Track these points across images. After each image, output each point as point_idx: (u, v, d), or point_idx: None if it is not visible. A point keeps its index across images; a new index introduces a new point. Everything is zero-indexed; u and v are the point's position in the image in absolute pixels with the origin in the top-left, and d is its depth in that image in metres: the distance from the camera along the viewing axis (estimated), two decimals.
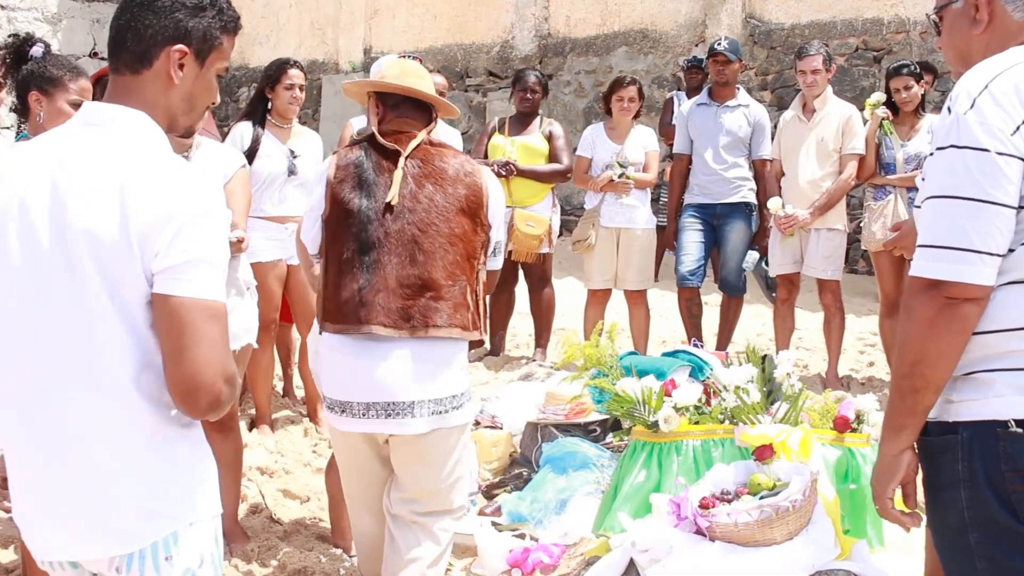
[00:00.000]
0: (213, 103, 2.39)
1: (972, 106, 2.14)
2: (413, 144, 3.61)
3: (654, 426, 4.26)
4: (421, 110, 3.76)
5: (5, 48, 4.38)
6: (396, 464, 3.67)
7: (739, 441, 4.08)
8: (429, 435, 3.54)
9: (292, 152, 6.13)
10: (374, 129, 3.70)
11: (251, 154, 5.98)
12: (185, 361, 2.06)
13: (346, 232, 3.55)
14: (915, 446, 2.30)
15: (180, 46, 2.22)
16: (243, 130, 6.12)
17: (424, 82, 3.78)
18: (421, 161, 3.61)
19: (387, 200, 3.51)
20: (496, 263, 3.84)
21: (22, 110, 4.33)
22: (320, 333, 3.66)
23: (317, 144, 6.42)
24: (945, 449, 2.22)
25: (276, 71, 6.15)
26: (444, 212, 3.56)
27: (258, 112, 6.17)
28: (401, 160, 3.57)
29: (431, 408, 3.51)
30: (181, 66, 2.22)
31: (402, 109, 3.73)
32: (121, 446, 2.12)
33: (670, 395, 4.37)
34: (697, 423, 4.27)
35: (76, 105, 4.18)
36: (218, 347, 2.10)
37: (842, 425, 4.25)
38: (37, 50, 4.27)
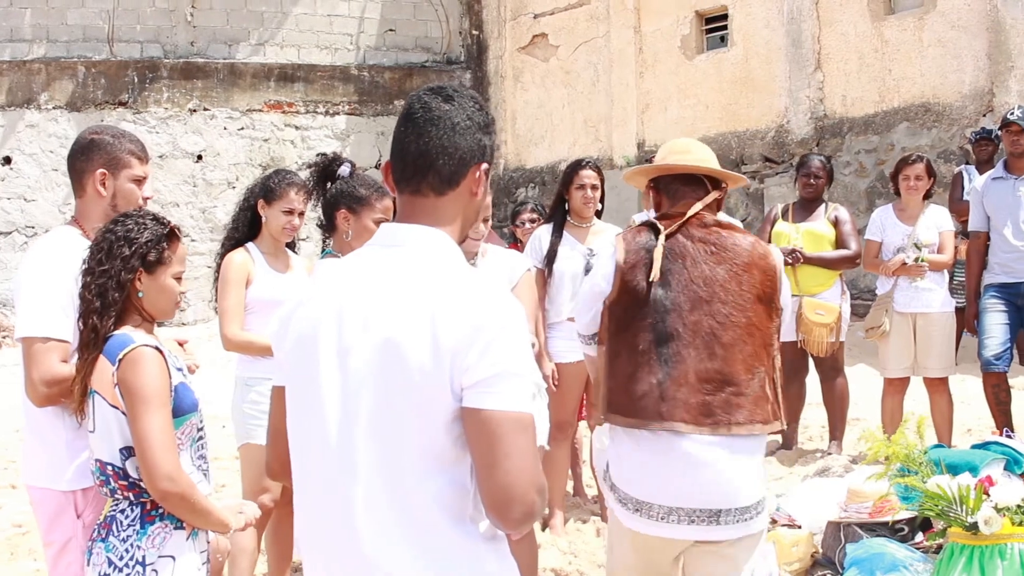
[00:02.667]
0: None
1: None
2: (679, 222, 3.46)
3: (973, 527, 3.97)
4: (697, 186, 3.59)
5: (313, 166, 4.65)
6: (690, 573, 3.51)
7: None
8: (735, 543, 3.39)
9: (591, 251, 6.18)
10: (653, 216, 3.60)
11: (551, 257, 6.11)
12: (498, 473, 2.06)
13: (640, 321, 3.40)
14: None
15: (485, 165, 2.29)
16: (541, 234, 6.29)
17: (689, 156, 3.61)
18: (714, 246, 3.44)
19: (649, 279, 3.38)
20: None
21: (328, 227, 4.57)
22: (601, 423, 3.54)
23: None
24: None
25: (569, 173, 6.26)
26: (741, 302, 3.39)
27: (557, 215, 6.29)
28: (660, 238, 3.42)
29: (736, 516, 3.33)
30: (481, 183, 2.29)
31: (675, 189, 3.59)
32: (426, 565, 2.12)
33: (988, 493, 4.07)
34: (1021, 524, 3.95)
35: (379, 223, 4.39)
36: (529, 458, 2.09)
37: None
38: (345, 169, 4.50)
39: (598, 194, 6.25)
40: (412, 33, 18.19)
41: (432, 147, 2.24)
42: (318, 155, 4.76)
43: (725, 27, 14.91)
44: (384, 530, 2.12)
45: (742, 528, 3.36)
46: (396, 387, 2.11)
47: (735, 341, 3.37)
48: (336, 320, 2.19)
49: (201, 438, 3.24)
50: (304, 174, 4.84)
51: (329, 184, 4.62)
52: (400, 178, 2.29)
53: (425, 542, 2.12)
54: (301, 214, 4.77)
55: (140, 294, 3.15)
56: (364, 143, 17.49)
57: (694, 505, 3.30)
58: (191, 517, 3.07)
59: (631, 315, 3.42)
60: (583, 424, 6.82)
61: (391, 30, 18.00)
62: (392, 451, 2.12)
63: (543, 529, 6.16)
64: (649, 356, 3.36)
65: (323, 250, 4.81)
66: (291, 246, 4.94)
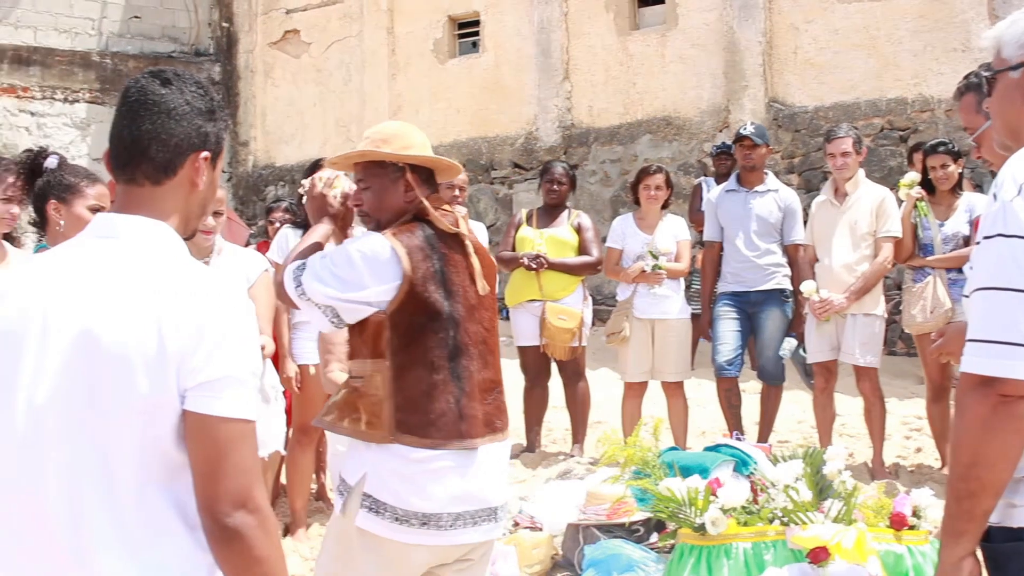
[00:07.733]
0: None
1: (1019, 192, 2.04)
2: (466, 226, 3.32)
3: (701, 528, 4.10)
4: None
5: (19, 164, 4.36)
6: None
7: (792, 543, 3.93)
8: (483, 545, 3.37)
9: None
10: (430, 208, 3.26)
11: None
12: (215, 482, 1.97)
13: (430, 336, 3.16)
14: (978, 552, 2.16)
15: (205, 153, 2.17)
16: (288, 233, 6.14)
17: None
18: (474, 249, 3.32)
19: (479, 296, 3.25)
20: None
21: (40, 222, 4.30)
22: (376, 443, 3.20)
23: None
24: (1011, 557, 2.08)
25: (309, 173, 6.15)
26: (492, 304, 3.33)
27: (303, 215, 6.17)
28: (469, 247, 3.27)
29: (504, 511, 3.33)
30: (201, 172, 2.17)
31: (431, 183, 3.35)
32: (147, 570, 1.99)
33: (716, 495, 4.22)
34: (746, 524, 4.11)
35: (95, 210, 4.16)
36: (248, 469, 2.00)
37: (898, 523, 4.09)
38: (51, 161, 4.25)
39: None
40: (159, 22, 17.54)
41: (144, 133, 2.13)
42: (23, 151, 4.48)
43: (477, 33, 15.05)
44: (95, 538, 1.96)
45: (504, 524, 3.39)
46: (117, 391, 1.96)
47: (495, 346, 3.33)
48: (43, 316, 2.02)
49: None
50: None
51: (38, 180, 4.35)
52: (115, 166, 2.17)
53: (144, 552, 1.98)
54: (21, 202, 4.46)
55: None
56: (106, 133, 16.54)
57: (478, 506, 3.22)
58: None
59: (419, 328, 3.17)
60: None
61: (136, 17, 17.30)
62: (107, 458, 1.97)
63: (285, 535, 6.01)
64: (440, 371, 3.16)
65: (37, 244, 4.52)
66: (9, 238, 4.61)
